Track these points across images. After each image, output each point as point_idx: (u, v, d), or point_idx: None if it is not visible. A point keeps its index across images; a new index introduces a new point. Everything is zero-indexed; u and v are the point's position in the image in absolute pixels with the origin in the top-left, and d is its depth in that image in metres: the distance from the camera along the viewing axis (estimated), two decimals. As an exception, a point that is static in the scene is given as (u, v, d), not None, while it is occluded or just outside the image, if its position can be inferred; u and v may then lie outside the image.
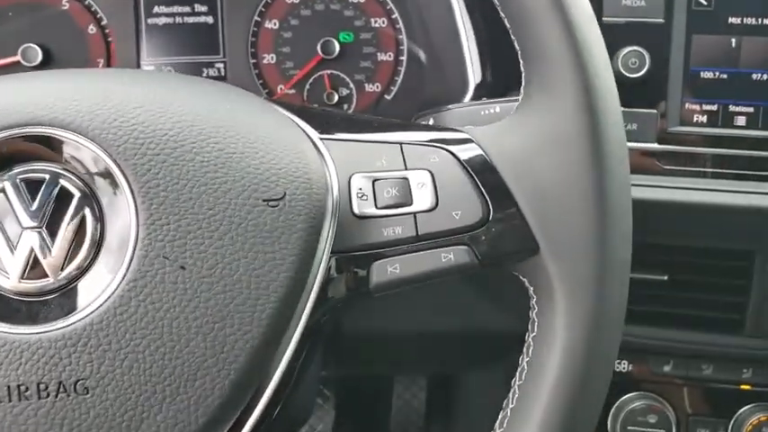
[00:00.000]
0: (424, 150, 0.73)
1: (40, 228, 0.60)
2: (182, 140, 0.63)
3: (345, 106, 1.51)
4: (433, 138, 0.75)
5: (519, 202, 0.66)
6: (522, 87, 0.74)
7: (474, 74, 1.30)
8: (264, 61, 1.49)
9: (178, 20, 1.47)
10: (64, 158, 0.62)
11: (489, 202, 0.67)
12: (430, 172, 0.71)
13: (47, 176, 0.61)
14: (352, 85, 1.51)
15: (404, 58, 1.51)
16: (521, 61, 0.72)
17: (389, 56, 1.50)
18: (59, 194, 0.61)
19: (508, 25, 0.72)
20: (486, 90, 1.31)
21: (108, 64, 1.46)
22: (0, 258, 0.56)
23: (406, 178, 0.70)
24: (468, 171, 0.70)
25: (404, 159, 0.72)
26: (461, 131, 0.76)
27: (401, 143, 0.73)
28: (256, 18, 1.47)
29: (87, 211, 0.58)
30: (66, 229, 0.60)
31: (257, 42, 1.48)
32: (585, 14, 0.68)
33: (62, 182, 0.61)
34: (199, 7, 1.47)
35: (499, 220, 0.67)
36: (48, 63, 1.44)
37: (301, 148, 0.69)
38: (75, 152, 0.62)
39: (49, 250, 0.59)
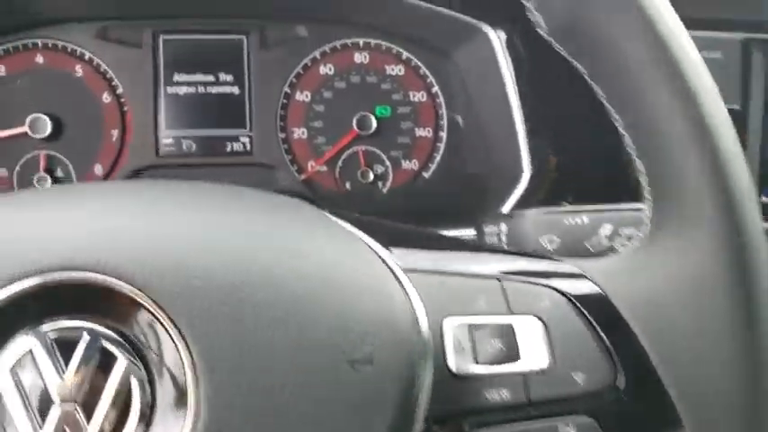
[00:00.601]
0: (530, 290, 0.59)
1: (75, 402, 0.46)
2: (247, 288, 0.49)
3: (380, 184, 1.38)
4: (536, 270, 0.62)
5: (654, 362, 0.52)
6: (647, 218, 0.61)
7: (529, 163, 1.17)
8: (294, 136, 1.37)
9: (201, 89, 1.35)
10: (105, 311, 0.49)
11: (617, 362, 0.53)
12: (540, 319, 0.57)
13: (85, 335, 0.48)
14: (387, 162, 1.39)
15: (443, 133, 1.39)
16: (646, 188, 0.59)
17: (428, 131, 1.39)
18: (99, 357, 0.47)
19: (632, 146, 0.59)
20: (541, 183, 1.18)
21: (123, 135, 1.34)
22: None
23: (510, 325, 0.57)
24: (589, 320, 0.57)
25: (506, 300, 0.58)
26: (568, 263, 0.62)
27: (500, 278, 0.60)
28: (286, 89, 1.36)
29: (133, 380, 0.45)
30: (106, 404, 0.46)
31: (287, 115, 1.37)
32: (732, 143, 0.55)
33: (103, 342, 0.48)
34: (224, 76, 1.35)
35: (630, 385, 0.53)
36: (57, 135, 1.32)
37: (385, 288, 0.55)
38: (120, 305, 0.48)
39: (85, 430, 0.46)
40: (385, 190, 1.39)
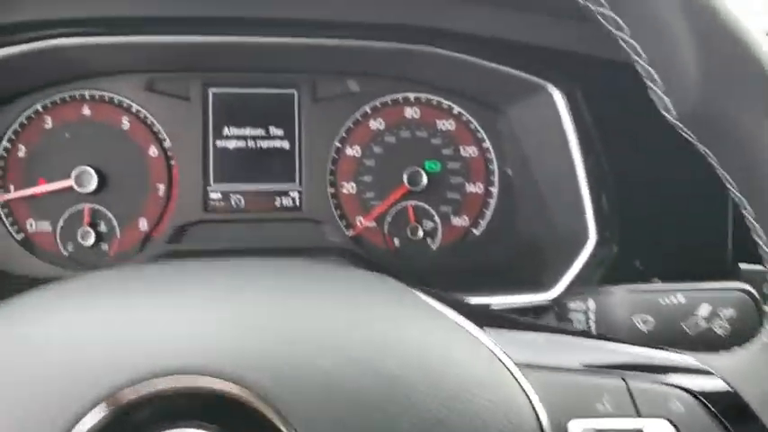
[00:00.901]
0: (658, 390, 0.56)
1: None
2: (363, 394, 0.47)
3: (429, 240, 1.35)
4: (660, 366, 0.59)
5: None
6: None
7: (595, 228, 1.14)
8: (344, 191, 1.34)
9: (250, 143, 1.32)
10: (222, 420, 0.46)
11: None
12: (672, 423, 0.54)
13: None
14: (437, 218, 1.36)
15: (494, 189, 1.37)
16: None
17: (479, 187, 1.37)
18: None
19: (750, 211, 0.56)
20: (610, 253, 1.15)
21: (169, 189, 1.31)
22: None
23: (640, 430, 0.54)
24: (723, 422, 0.54)
25: (633, 401, 0.55)
26: (691, 358, 0.59)
27: (624, 376, 0.57)
28: (337, 144, 1.34)
29: None
30: None
31: (337, 170, 1.34)
32: None
33: None
34: (274, 130, 1.33)
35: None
36: (102, 189, 1.28)
37: (502, 387, 0.52)
38: (237, 410, 0.45)
39: None
40: (434, 247, 1.37)
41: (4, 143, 1.27)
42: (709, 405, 0.54)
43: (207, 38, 1.13)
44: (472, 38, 1.14)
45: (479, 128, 1.35)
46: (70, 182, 1.26)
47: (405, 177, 1.32)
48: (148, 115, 1.30)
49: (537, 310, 1.15)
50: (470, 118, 1.35)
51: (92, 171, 1.26)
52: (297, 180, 1.33)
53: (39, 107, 1.28)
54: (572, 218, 1.18)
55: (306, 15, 1.12)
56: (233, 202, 1.32)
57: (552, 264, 1.21)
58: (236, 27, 1.15)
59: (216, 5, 1.12)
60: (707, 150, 0.55)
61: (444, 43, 1.14)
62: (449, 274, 1.33)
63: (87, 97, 1.29)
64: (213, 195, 1.32)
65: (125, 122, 1.29)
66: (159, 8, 1.10)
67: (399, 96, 1.34)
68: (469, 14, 1.13)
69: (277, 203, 1.33)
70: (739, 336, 0.78)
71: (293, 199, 1.33)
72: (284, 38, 1.15)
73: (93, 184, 1.26)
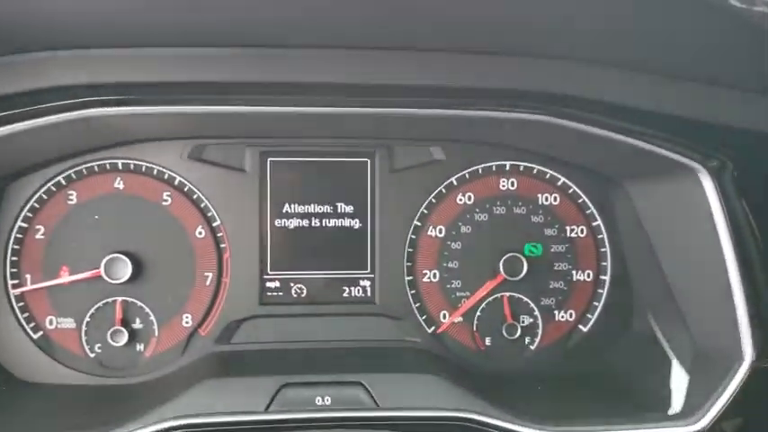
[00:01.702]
0: None
1: None
2: None
3: (527, 339, 1.12)
4: None
5: None
6: None
7: (750, 339, 0.90)
8: (425, 279, 1.12)
9: (314, 222, 1.10)
10: None
11: None
12: None
13: None
14: (537, 313, 1.13)
15: (606, 277, 1.13)
16: None
17: (588, 275, 1.13)
18: None
19: None
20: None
21: (219, 278, 1.08)
22: None
23: None
24: None
25: None
26: None
27: None
28: (416, 223, 1.11)
29: None
30: None
31: (416, 254, 1.11)
32: None
33: None
34: (342, 207, 1.11)
35: None
36: (137, 278, 1.06)
37: None
38: None
39: None
40: (533, 347, 1.13)
41: (20, 223, 1.05)
42: None
43: (268, 108, 0.90)
44: (602, 106, 0.90)
45: (589, 203, 1.12)
46: (99, 271, 1.04)
47: (501, 265, 1.08)
48: (194, 188, 1.08)
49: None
50: (578, 191, 1.12)
51: (125, 258, 1.04)
52: (369, 266, 1.10)
53: (62, 179, 1.06)
54: (717, 324, 0.94)
55: (399, 81, 0.89)
56: (293, 293, 1.10)
57: (692, 381, 0.97)
58: (299, 95, 0.91)
59: (279, 70, 0.89)
60: None
61: (571, 114, 0.91)
62: (550, 382, 1.09)
63: (121, 167, 1.07)
64: (270, 285, 1.09)
65: (166, 197, 1.08)
66: (215, 73, 0.87)
67: (492, 165, 1.12)
68: (604, 79, 0.89)
69: (345, 294, 1.11)
70: None
71: (364, 288, 1.11)
72: (365, 108, 0.92)
73: (126, 272, 1.04)
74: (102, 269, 1.04)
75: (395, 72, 0.89)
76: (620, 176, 1.08)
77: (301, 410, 0.90)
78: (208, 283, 1.09)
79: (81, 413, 0.97)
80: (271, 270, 1.10)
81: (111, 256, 1.04)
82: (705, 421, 0.91)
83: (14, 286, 1.06)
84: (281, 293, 1.10)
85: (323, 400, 0.91)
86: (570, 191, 1.13)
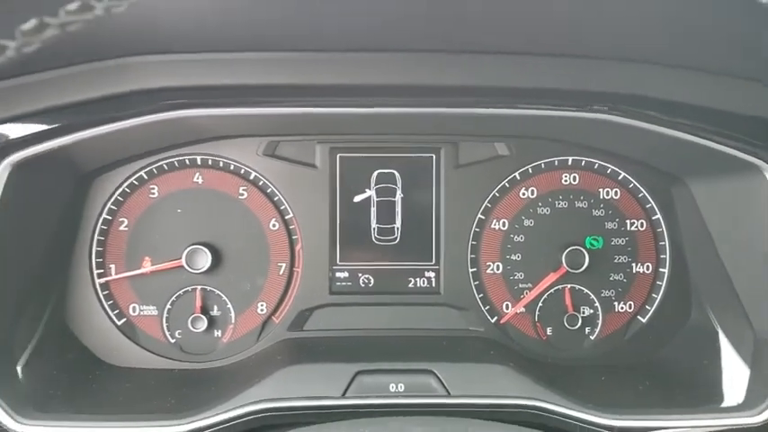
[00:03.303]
0: None
1: None
2: None
3: (588, 330, 1.15)
4: None
5: None
6: None
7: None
8: (488, 271, 1.15)
9: (382, 215, 1.15)
10: None
11: None
12: None
13: None
14: (597, 304, 1.16)
15: (665, 270, 1.16)
16: None
17: (647, 267, 1.16)
18: None
19: None
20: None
21: (291, 268, 1.14)
22: None
23: None
24: None
25: None
26: None
27: None
28: (480, 216, 1.14)
29: None
30: None
31: (480, 247, 1.15)
32: None
33: None
34: (409, 200, 1.15)
35: None
36: (216, 268, 1.12)
37: None
38: None
39: None
40: (593, 337, 1.17)
41: (104, 215, 1.11)
42: None
43: (338, 110, 0.95)
44: (668, 105, 0.93)
45: (649, 198, 1.15)
46: (180, 261, 1.10)
47: (564, 257, 1.12)
48: (268, 183, 1.13)
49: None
50: (639, 186, 1.15)
51: (205, 250, 1.09)
52: (434, 258, 1.14)
53: (144, 174, 1.12)
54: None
55: (464, 82, 0.92)
56: (361, 283, 1.15)
57: (753, 374, 0.99)
58: (370, 96, 0.95)
59: (350, 74, 0.93)
60: None
61: (633, 112, 0.93)
62: (610, 372, 1.13)
63: (200, 162, 1.12)
64: (340, 275, 1.14)
65: (242, 191, 1.13)
66: (290, 77, 0.91)
67: (555, 160, 1.15)
68: (669, 79, 0.91)
69: (411, 284, 1.15)
70: None
71: (429, 279, 1.15)
72: (431, 108, 0.96)
73: (206, 263, 1.10)
74: (183, 259, 1.10)
75: (461, 74, 0.92)
76: (682, 173, 1.10)
77: (376, 396, 0.95)
78: (281, 273, 1.14)
79: (164, 395, 1.03)
80: (340, 261, 1.14)
81: (191, 247, 1.10)
82: (767, 414, 0.94)
83: (100, 275, 1.12)
84: (349, 283, 1.15)
85: (396, 387, 0.96)
86: (631, 185, 1.16)
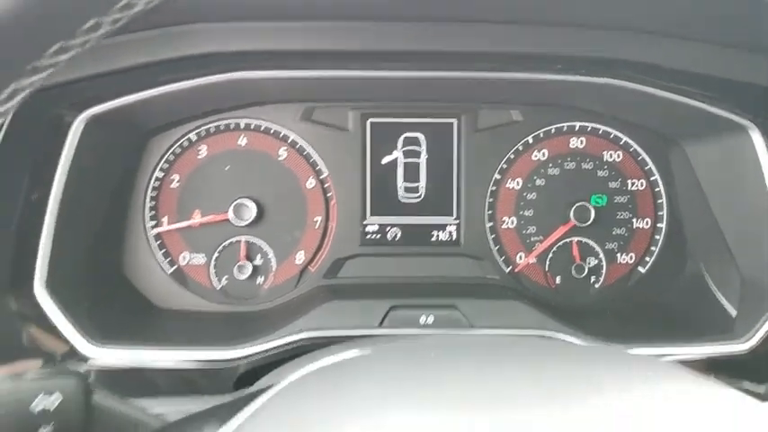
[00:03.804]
0: None
1: None
2: None
3: (593, 279, 1.28)
4: None
5: None
6: None
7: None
8: (504, 225, 1.28)
9: (408, 174, 1.27)
10: None
11: None
12: None
13: None
14: (602, 255, 1.29)
15: (663, 225, 1.28)
16: None
17: (647, 222, 1.29)
18: None
19: None
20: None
21: (326, 222, 1.26)
22: None
23: None
24: None
25: None
26: None
27: None
28: (497, 176, 1.27)
29: None
30: None
31: (496, 204, 1.27)
32: None
33: None
34: (432, 161, 1.28)
35: None
36: (259, 221, 1.24)
37: None
38: None
39: None
40: (597, 285, 1.29)
41: (157, 173, 1.23)
42: None
43: (372, 73, 1.07)
44: (664, 71, 1.06)
45: (648, 160, 1.27)
46: (228, 214, 1.22)
47: (572, 213, 1.24)
48: (305, 145, 1.25)
49: (729, 364, 1.07)
50: (639, 149, 1.27)
51: (250, 203, 1.21)
52: (455, 213, 1.27)
53: (193, 135, 1.23)
54: (763, 262, 1.09)
55: (482, 49, 1.05)
56: (389, 236, 1.27)
57: (740, 312, 1.13)
58: (399, 61, 1.08)
59: (382, 40, 1.06)
60: None
61: (633, 76, 1.06)
62: (613, 314, 1.26)
63: (243, 126, 1.24)
64: (370, 228, 1.26)
65: (282, 152, 1.25)
66: (330, 42, 1.04)
67: (564, 125, 1.27)
68: (666, 47, 1.04)
69: (434, 237, 1.27)
70: None
71: (451, 233, 1.27)
72: (453, 72, 1.08)
73: (250, 216, 1.22)
74: (229, 212, 1.22)
75: (479, 41, 1.04)
76: (678, 135, 1.23)
77: (409, 327, 1.08)
78: (317, 226, 1.26)
79: (214, 332, 1.16)
80: (370, 216, 1.27)
81: (237, 201, 1.22)
82: (755, 340, 1.07)
83: (153, 227, 1.24)
84: (378, 236, 1.27)
85: (426, 320, 1.08)
86: (632, 149, 1.28)
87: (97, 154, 1.08)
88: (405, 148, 1.26)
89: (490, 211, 1.28)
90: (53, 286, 1.01)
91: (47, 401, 0.68)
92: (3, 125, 0.90)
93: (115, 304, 1.16)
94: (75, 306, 1.03)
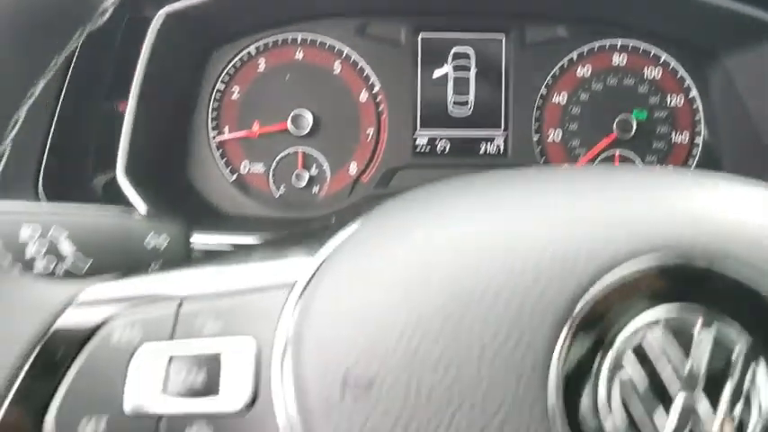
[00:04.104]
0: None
1: (697, 389, 0.43)
2: None
3: (633, 191, 1.33)
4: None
5: None
6: None
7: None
8: (549, 138, 1.33)
9: (457, 88, 1.32)
10: (713, 297, 0.45)
11: None
12: None
13: (701, 319, 0.44)
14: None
15: (700, 140, 1.34)
16: None
17: (685, 137, 1.34)
18: (715, 342, 0.44)
19: None
20: None
21: (378, 134, 1.31)
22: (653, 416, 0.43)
23: None
24: None
25: None
26: None
27: None
28: (543, 91, 1.32)
29: (761, 367, 0.43)
30: (730, 392, 0.43)
31: (542, 117, 1.33)
32: None
33: (717, 326, 0.44)
34: (481, 75, 1.33)
35: None
36: (315, 132, 1.29)
37: None
38: (728, 291, 0.45)
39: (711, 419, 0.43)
40: (639, 197, 1.35)
41: (219, 85, 1.28)
42: None
43: None
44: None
45: (687, 77, 1.33)
46: (286, 124, 1.27)
47: (614, 125, 1.30)
48: (359, 59, 1.30)
49: None
50: (677, 66, 1.33)
51: (308, 114, 1.27)
52: (503, 126, 1.32)
53: (252, 49, 1.29)
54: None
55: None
56: (438, 148, 1.32)
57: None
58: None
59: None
60: None
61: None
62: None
63: (299, 41, 1.29)
64: (420, 141, 1.32)
65: (336, 66, 1.30)
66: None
67: (607, 43, 1.32)
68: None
69: (482, 150, 1.33)
70: None
71: (498, 146, 1.33)
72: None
73: (308, 126, 1.27)
74: (288, 122, 1.28)
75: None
76: (717, 50, 1.28)
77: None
78: (369, 138, 1.31)
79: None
80: (420, 128, 1.32)
81: (295, 111, 1.28)
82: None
83: (215, 136, 1.30)
84: (428, 148, 1.33)
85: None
86: (671, 67, 1.34)
87: (170, 56, 1.14)
88: (454, 63, 1.32)
89: (537, 124, 1.33)
90: (133, 175, 1.07)
91: (157, 240, 0.74)
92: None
93: (182, 207, 1.22)
94: (152, 198, 1.09)
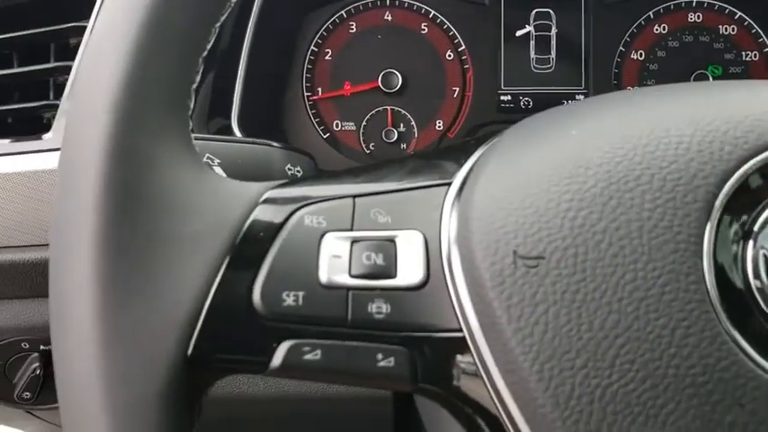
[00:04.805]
0: None
1: None
2: None
3: (709, 144, 1.38)
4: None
5: None
6: None
7: None
8: (628, 94, 1.38)
9: (539, 47, 1.37)
10: None
11: None
12: None
13: None
14: (718, 123, 1.38)
15: (775, 94, 1.38)
16: None
17: (760, 91, 1.38)
18: None
19: None
20: None
21: (463, 92, 1.37)
22: None
23: None
24: None
25: None
26: None
27: None
28: (621, 48, 1.37)
29: None
30: None
31: (621, 74, 1.38)
32: None
33: None
34: (562, 34, 1.38)
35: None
36: (403, 91, 1.35)
37: None
38: None
39: None
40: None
41: (312, 47, 1.35)
42: None
43: None
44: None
45: (762, 33, 1.37)
46: (377, 82, 1.33)
47: (691, 79, 1.34)
48: (444, 20, 1.35)
49: None
50: (752, 23, 1.37)
51: (398, 73, 1.33)
52: (583, 83, 1.37)
53: (344, 12, 1.35)
54: None
55: None
56: (521, 104, 1.38)
57: None
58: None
59: None
60: None
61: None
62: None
63: (389, 3, 1.35)
64: (504, 98, 1.37)
65: (423, 27, 1.36)
66: None
67: (682, 1, 1.37)
68: None
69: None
70: None
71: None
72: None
73: (397, 83, 1.33)
74: (378, 80, 1.34)
75: None
76: (793, 5, 1.33)
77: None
78: (455, 96, 1.37)
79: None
80: (504, 86, 1.38)
81: (387, 70, 1.34)
82: None
83: (309, 97, 1.36)
84: (512, 105, 1.38)
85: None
86: (746, 23, 1.38)
87: (271, 17, 1.20)
88: (536, 23, 1.37)
89: (616, 81, 1.38)
90: (243, 127, 1.14)
91: (294, 170, 0.80)
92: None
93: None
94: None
